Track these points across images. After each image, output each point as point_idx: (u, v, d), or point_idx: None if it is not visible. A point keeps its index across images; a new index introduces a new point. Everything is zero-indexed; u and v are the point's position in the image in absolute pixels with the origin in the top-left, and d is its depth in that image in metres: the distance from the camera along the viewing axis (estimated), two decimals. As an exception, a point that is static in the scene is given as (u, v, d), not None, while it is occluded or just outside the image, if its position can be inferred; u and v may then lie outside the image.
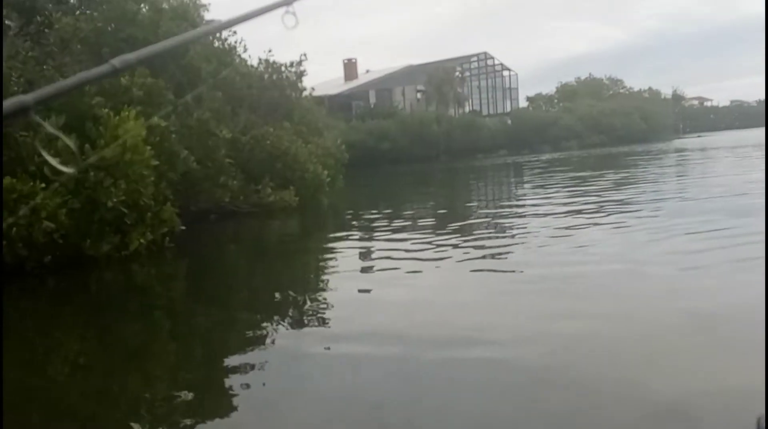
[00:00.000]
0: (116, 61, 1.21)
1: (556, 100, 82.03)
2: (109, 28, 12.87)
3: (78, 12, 13.84)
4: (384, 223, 13.10)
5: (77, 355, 5.87)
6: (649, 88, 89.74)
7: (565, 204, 13.67)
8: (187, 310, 7.38)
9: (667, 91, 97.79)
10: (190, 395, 4.35)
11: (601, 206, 12.64)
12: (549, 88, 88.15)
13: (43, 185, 8.15)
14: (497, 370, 4.29)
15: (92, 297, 8.21)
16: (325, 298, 7.08)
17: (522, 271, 7.47)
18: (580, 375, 4.13)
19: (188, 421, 3.93)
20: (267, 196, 14.98)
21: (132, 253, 9.36)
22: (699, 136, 69.03)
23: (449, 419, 3.62)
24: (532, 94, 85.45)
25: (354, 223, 14.31)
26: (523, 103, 76.54)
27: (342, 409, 3.90)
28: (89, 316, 7.25)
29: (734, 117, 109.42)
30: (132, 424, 3.97)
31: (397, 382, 4.24)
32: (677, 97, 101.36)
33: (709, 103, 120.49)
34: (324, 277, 8.55)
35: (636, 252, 7.84)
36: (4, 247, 8.39)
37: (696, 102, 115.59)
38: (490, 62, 69.14)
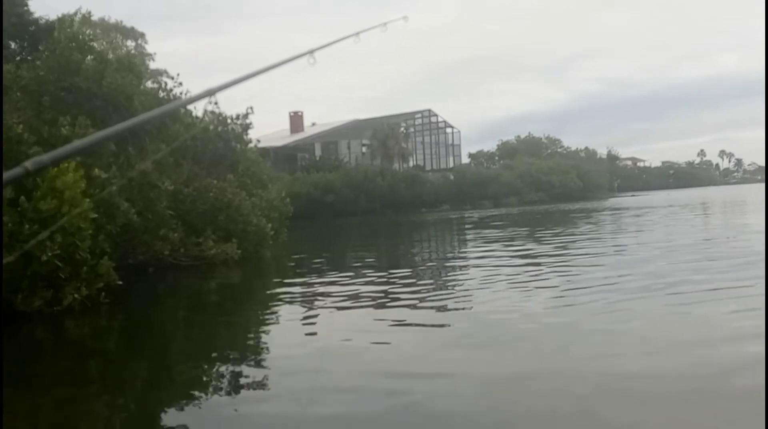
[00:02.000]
0: (29, 164, 1.22)
1: (497, 158, 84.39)
2: (51, 77, 12.69)
3: (19, 58, 13.63)
4: (327, 277, 13.05)
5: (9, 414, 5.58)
6: (586, 148, 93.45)
7: (501, 257, 13.92)
8: (120, 367, 7.14)
9: (602, 151, 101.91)
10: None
11: (528, 262, 12.92)
12: (490, 146, 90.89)
13: (-27, 237, 7.87)
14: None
15: (21, 354, 7.86)
16: (262, 354, 7.01)
17: (450, 325, 7.63)
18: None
19: None
20: (208, 248, 14.78)
21: (65, 309, 9.05)
22: (633, 195, 71.66)
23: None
24: (474, 151, 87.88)
25: (297, 277, 14.20)
26: (465, 160, 78.42)
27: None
28: (16, 375, 6.94)
29: (665, 177, 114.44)
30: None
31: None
32: (612, 157, 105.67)
33: (641, 164, 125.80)
34: (262, 332, 8.45)
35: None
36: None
37: (630, 162, 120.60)
38: (434, 119, 70.83)
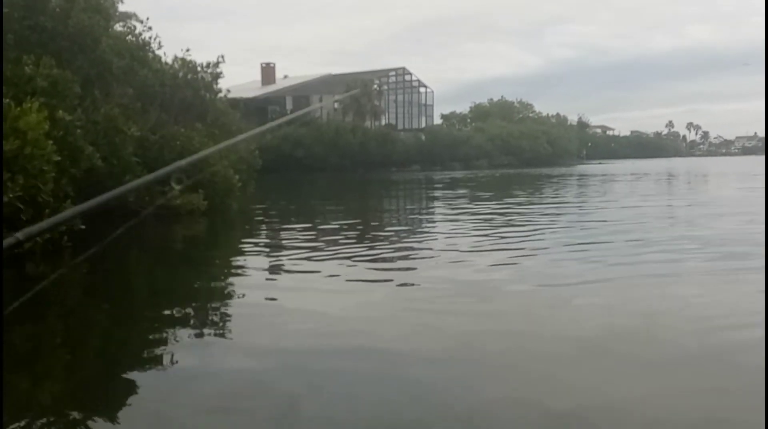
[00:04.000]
0: (20, 234, 1.22)
1: (469, 120, 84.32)
2: (16, 15, 12.29)
3: (-19, -6, 13.15)
4: (293, 230, 13.10)
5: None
6: (557, 114, 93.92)
7: (468, 221, 14.10)
8: (82, 312, 7.16)
9: (573, 118, 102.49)
10: (79, 401, 4.26)
11: (495, 227, 13.12)
12: (463, 107, 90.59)
13: (-68, 175, 7.72)
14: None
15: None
16: (222, 306, 7.08)
17: (420, 285, 7.74)
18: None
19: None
20: (174, 198, 14.63)
21: (27, 251, 8.94)
22: (600, 163, 72.58)
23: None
24: (446, 112, 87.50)
25: (262, 229, 14.23)
26: (437, 121, 78.18)
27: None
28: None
29: (633, 146, 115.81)
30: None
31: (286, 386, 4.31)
32: (582, 124, 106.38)
33: (611, 132, 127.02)
34: (224, 283, 8.50)
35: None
36: None
37: (599, 130, 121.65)
38: (407, 78, 70.29)
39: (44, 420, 4.00)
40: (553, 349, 5.14)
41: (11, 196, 8.39)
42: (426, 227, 14.84)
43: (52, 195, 9.16)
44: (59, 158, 9.20)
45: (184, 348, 5.39)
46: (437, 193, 26.49)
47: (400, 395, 4.21)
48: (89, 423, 3.92)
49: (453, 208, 18.51)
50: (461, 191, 26.25)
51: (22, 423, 3.98)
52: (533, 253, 9.62)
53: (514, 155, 64.77)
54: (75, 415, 4.08)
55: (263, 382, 4.53)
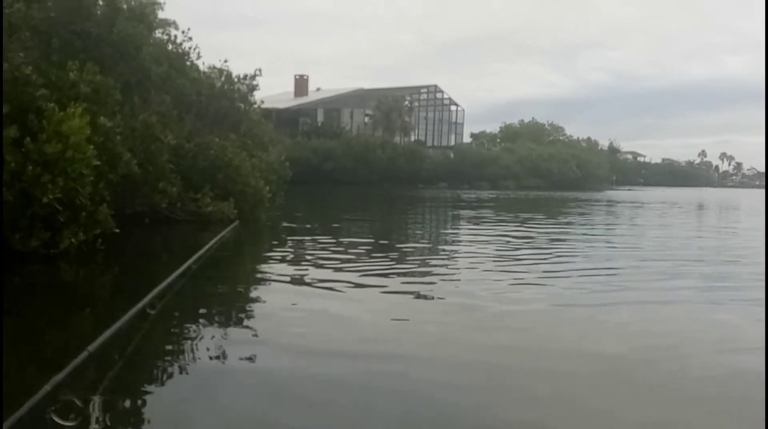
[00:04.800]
0: (91, 347, 1.33)
1: (498, 140, 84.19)
2: (62, 20, 12.64)
3: (31, -1, 13.55)
4: (320, 243, 13.20)
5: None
6: (588, 138, 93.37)
7: (493, 242, 14.09)
8: (110, 313, 7.28)
9: (604, 143, 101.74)
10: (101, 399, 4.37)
11: (519, 248, 13.09)
12: (493, 127, 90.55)
13: (-24, 174, 7.97)
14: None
15: (15, 293, 8.00)
16: (250, 310, 7.22)
17: (442, 299, 7.81)
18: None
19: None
20: (205, 205, 14.88)
21: (62, 252, 9.17)
22: (630, 190, 71.86)
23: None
24: (476, 130, 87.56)
25: (289, 241, 14.34)
26: (467, 139, 78.19)
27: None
28: (9, 313, 7.09)
29: (664, 174, 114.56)
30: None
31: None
32: (613, 150, 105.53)
33: (642, 159, 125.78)
34: (252, 289, 8.63)
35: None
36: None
37: (630, 156, 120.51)
38: (439, 95, 70.52)
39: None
40: (570, 367, 5.17)
41: (50, 197, 8.62)
42: (450, 245, 14.86)
43: (90, 198, 9.38)
44: (98, 163, 9.43)
45: (208, 347, 5.51)
46: (463, 212, 26.47)
47: (417, 403, 4.36)
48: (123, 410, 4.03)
49: (478, 227, 18.49)
50: (487, 211, 26.21)
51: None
52: (556, 276, 9.60)
53: (543, 178, 64.44)
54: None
55: (280, 385, 4.63)
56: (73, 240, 9.17)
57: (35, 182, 8.54)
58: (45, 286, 8.52)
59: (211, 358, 5.30)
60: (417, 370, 5.10)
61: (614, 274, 9.98)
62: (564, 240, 15.33)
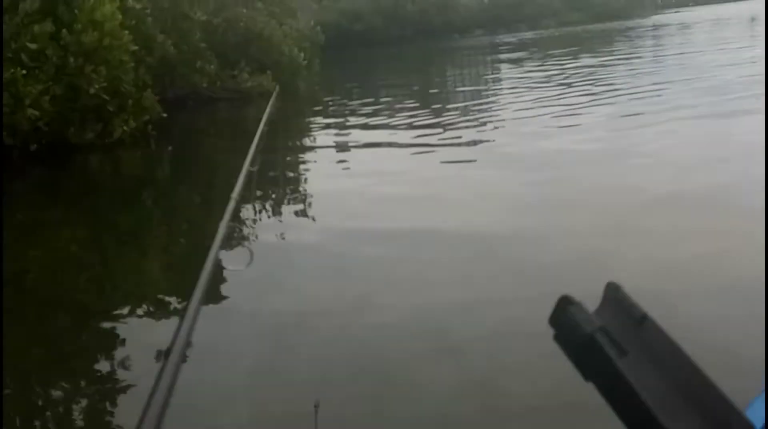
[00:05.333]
0: None
1: (533, -24, 79.38)
2: None
3: None
4: (364, 108, 13.17)
5: (72, 241, 6.06)
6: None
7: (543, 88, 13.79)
8: (172, 194, 7.59)
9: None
10: (180, 276, 4.65)
11: (568, 87, 12.79)
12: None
13: (24, 72, 8.12)
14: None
15: (81, 182, 8.38)
16: (301, 184, 7.32)
17: (483, 151, 7.82)
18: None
19: (176, 299, 4.11)
20: (244, 81, 14.86)
21: (116, 141, 9.45)
22: (677, 11, 68.00)
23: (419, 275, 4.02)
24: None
25: (333, 108, 14.35)
26: (499, -20, 74.01)
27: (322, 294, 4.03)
28: (80, 202, 7.46)
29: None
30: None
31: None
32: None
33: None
34: (301, 162, 8.71)
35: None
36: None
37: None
38: (466, -65, 66.21)
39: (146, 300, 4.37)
40: (622, 200, 5.22)
41: (96, 86, 8.76)
42: (490, 94, 14.58)
43: (133, 85, 9.50)
44: (136, 48, 9.44)
45: (265, 220, 5.69)
46: (502, 57, 25.69)
47: (470, 252, 4.45)
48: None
49: (518, 72, 18.02)
50: (526, 53, 25.34)
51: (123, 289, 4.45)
52: (600, 116, 9.44)
53: (584, 10, 61.24)
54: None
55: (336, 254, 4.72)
56: (124, 128, 9.41)
57: (79, 74, 8.66)
58: (107, 174, 8.88)
59: (276, 237, 5.25)
60: (466, 222, 5.15)
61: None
62: (609, 74, 14.88)
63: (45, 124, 8.61)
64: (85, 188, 8.13)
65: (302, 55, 16.61)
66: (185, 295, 4.16)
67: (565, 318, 0.65)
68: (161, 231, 6.36)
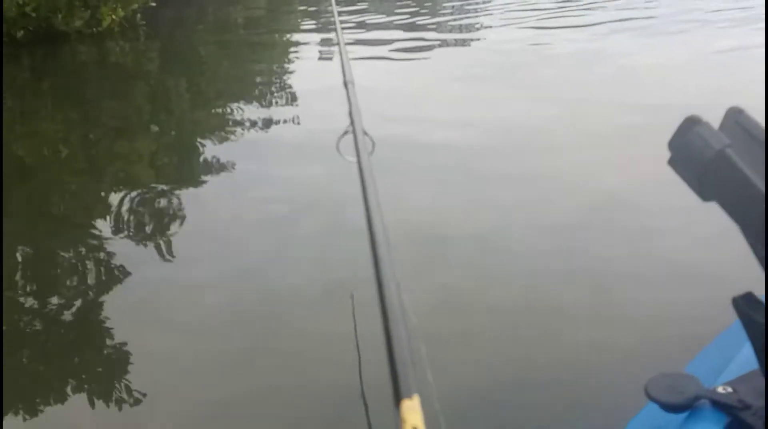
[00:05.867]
0: None
1: None
2: None
3: None
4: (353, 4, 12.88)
5: (60, 130, 6.04)
6: None
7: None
8: (161, 88, 7.53)
9: None
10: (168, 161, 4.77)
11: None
12: None
13: (9, -47, 7.91)
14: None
15: (69, 72, 8.32)
16: (286, 81, 7.23)
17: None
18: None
19: (164, 186, 4.27)
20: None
21: (104, 30, 9.32)
22: None
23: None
24: None
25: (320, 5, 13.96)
26: None
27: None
28: (68, 90, 7.45)
29: None
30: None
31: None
32: None
33: None
34: (286, 61, 8.58)
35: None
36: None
37: None
38: None
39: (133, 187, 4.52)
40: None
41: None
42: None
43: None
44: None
45: (254, 117, 5.69)
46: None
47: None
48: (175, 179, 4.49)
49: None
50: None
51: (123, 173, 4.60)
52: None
53: None
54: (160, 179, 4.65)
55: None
56: (113, 16, 9.26)
57: (66, -42, 8.45)
58: (95, 63, 8.80)
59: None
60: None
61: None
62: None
63: (32, 9, 8.46)
64: (74, 77, 8.08)
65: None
66: (171, 180, 4.34)
67: (690, 136, 0.64)
68: (148, 125, 6.21)
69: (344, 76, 1.49)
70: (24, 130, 5.85)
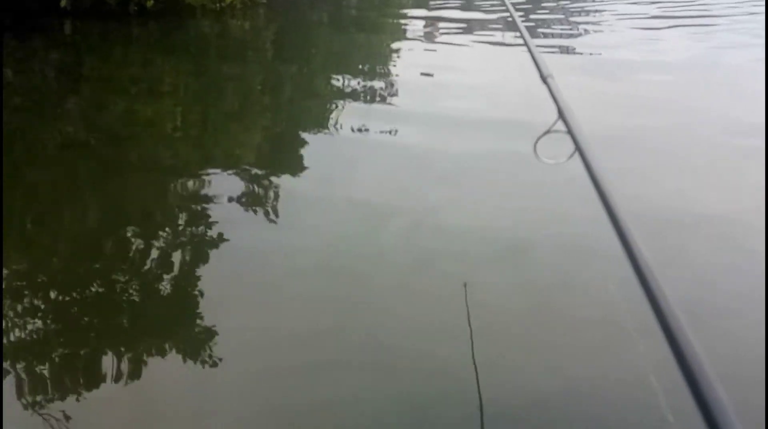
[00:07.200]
0: None
1: None
2: None
3: None
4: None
5: (177, 93, 6.30)
6: None
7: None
8: (276, 66, 7.61)
9: None
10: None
11: None
12: None
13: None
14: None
15: (193, 42, 8.64)
16: (391, 75, 7.03)
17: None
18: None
19: (266, 165, 4.31)
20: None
21: (227, 6, 9.62)
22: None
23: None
24: None
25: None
26: None
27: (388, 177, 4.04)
28: (192, 56, 7.72)
29: None
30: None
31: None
32: None
33: None
34: (394, 50, 8.38)
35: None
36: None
37: None
38: None
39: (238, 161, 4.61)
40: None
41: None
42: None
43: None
44: None
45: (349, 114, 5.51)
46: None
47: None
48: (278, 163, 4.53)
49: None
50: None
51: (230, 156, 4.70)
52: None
53: None
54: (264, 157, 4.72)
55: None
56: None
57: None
58: (216, 37, 9.09)
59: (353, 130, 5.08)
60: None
61: None
62: None
63: (162, -19, 8.84)
64: (198, 46, 8.38)
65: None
66: (266, 164, 4.41)
67: None
68: (262, 101, 6.28)
69: (539, 70, 1.39)
70: (146, 84, 6.15)
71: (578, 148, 0.97)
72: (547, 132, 1.10)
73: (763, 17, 8.68)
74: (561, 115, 1.09)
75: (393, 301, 2.65)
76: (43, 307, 2.69)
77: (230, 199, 3.65)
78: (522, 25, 1.83)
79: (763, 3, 9.52)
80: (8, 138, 4.55)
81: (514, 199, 3.64)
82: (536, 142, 1.13)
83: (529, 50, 1.53)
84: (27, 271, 3.00)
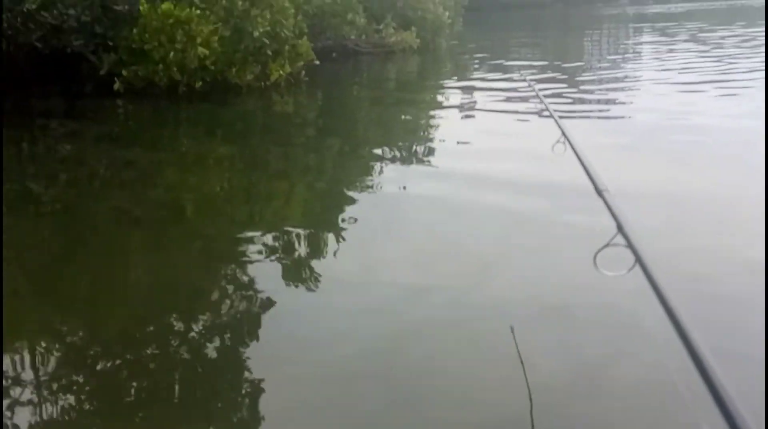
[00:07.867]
0: None
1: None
2: None
3: None
4: (499, 67, 13.00)
5: (224, 165, 6.43)
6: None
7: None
8: (317, 138, 7.80)
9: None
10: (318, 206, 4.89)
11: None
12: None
13: (198, 12, 8.65)
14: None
15: (238, 120, 8.86)
16: (433, 142, 7.21)
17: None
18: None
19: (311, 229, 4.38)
20: (389, 35, 15.04)
21: (272, 84, 9.91)
22: None
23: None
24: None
25: (471, 65, 14.24)
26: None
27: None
28: (236, 136, 7.91)
29: None
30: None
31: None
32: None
33: None
34: (434, 120, 8.56)
35: None
36: (161, 71, 9.12)
37: None
38: None
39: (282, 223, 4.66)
40: None
41: (260, 30, 9.20)
42: (628, 66, 13.82)
43: (291, 31, 9.88)
44: (295, -6, 9.79)
45: (393, 172, 5.71)
46: (645, 27, 24.35)
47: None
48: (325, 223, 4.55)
49: (663, 45, 17.05)
50: (676, 25, 23.83)
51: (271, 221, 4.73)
52: None
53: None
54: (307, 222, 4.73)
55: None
56: (281, 72, 9.84)
57: (246, 17, 9.13)
58: (261, 112, 9.33)
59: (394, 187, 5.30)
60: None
61: None
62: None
63: (211, 63, 9.17)
64: (243, 125, 8.59)
65: (447, 13, 16.57)
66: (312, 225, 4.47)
67: None
68: (306, 171, 6.37)
69: (594, 183, 1.40)
70: (192, 160, 6.31)
71: (639, 261, 0.98)
72: (606, 246, 1.11)
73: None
74: (620, 229, 1.11)
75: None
76: (94, 376, 2.70)
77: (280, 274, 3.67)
78: (579, 149, 1.76)
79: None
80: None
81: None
82: (595, 256, 1.14)
83: (582, 165, 1.55)
84: (80, 339, 3.04)
